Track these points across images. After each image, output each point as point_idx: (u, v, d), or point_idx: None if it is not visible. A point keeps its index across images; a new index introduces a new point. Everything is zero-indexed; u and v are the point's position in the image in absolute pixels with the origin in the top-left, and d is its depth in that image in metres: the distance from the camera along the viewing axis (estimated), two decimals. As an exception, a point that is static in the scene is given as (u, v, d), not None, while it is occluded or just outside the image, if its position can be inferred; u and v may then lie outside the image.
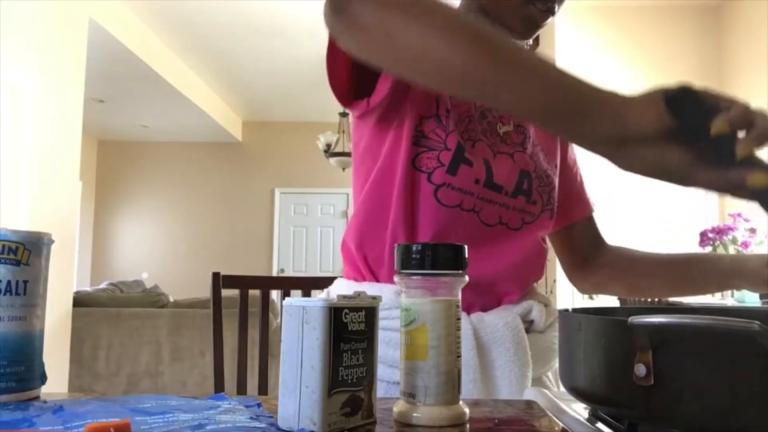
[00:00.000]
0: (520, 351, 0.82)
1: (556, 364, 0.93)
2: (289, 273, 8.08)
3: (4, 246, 0.54)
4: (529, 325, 0.89)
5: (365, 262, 0.90)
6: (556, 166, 1.01)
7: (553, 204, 0.96)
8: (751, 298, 2.88)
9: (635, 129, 0.51)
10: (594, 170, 4.34)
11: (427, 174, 0.83)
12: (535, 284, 0.99)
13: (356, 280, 0.92)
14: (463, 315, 0.84)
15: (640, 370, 0.44)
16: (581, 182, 1.10)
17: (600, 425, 0.52)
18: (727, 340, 0.43)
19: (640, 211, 3.89)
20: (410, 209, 0.85)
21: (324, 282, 1.22)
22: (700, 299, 3.15)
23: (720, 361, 0.43)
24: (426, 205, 0.84)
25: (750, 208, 3.66)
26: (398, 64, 0.62)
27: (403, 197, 0.84)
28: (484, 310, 0.87)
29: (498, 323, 0.83)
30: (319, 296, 1.02)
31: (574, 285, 1.11)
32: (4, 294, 0.53)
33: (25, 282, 0.55)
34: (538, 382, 0.91)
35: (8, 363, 0.54)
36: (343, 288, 0.93)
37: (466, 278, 0.56)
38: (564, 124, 0.56)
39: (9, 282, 0.54)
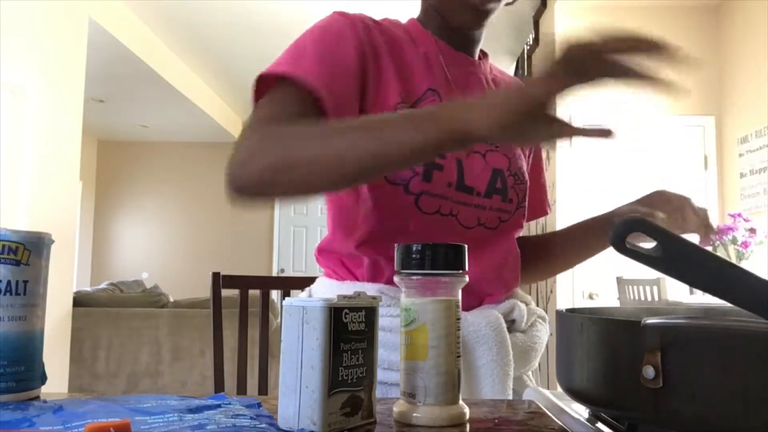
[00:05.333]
0: (502, 351, 0.82)
1: (536, 363, 0.94)
2: (289, 273, 8.08)
3: (4, 246, 0.54)
4: (510, 325, 0.89)
5: (343, 266, 0.91)
6: (528, 164, 1.02)
7: (526, 202, 0.96)
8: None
9: (480, 135, 0.59)
10: (596, 170, 4.30)
11: (403, 185, 0.83)
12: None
13: (338, 279, 0.92)
14: None
15: (649, 372, 0.44)
16: (543, 184, 1.10)
17: (600, 425, 0.52)
18: (741, 342, 0.42)
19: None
20: (385, 222, 0.84)
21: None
22: (699, 299, 3.15)
23: (733, 362, 0.43)
24: (406, 215, 0.83)
25: (749, 208, 3.66)
26: (319, 184, 0.69)
27: (375, 212, 0.84)
28: (467, 310, 0.87)
29: (480, 323, 0.83)
30: (299, 295, 1.03)
31: None
32: (4, 294, 0.53)
33: (25, 282, 0.55)
34: (518, 381, 0.91)
35: (8, 363, 0.54)
36: (324, 286, 0.93)
37: (466, 278, 0.56)
38: (450, 147, 0.66)
39: (9, 282, 0.54)
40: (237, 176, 0.69)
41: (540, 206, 1.09)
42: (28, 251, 0.55)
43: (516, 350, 0.86)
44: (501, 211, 0.90)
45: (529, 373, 0.94)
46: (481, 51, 0.98)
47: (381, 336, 0.80)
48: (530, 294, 4.50)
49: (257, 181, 0.68)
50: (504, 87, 0.96)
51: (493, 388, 0.80)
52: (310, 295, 0.96)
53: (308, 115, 0.73)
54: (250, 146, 0.70)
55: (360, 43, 0.81)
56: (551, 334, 0.96)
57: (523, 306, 0.90)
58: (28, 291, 0.55)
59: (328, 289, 0.91)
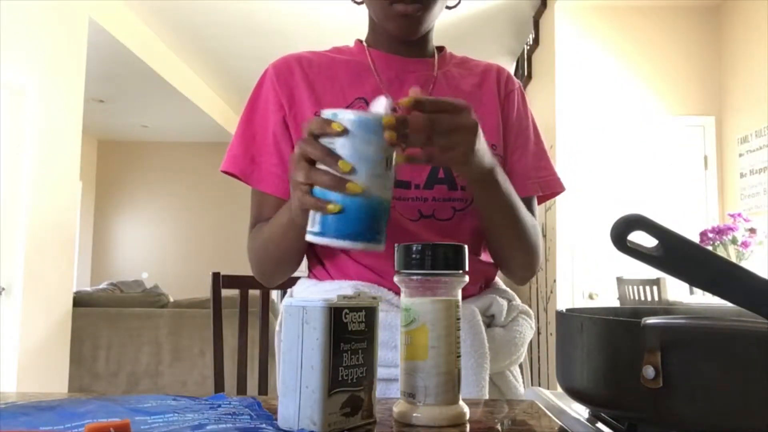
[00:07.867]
0: (476, 343, 0.82)
1: (521, 358, 0.94)
2: (289, 273, 8.07)
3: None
4: (490, 320, 0.90)
5: (322, 266, 0.94)
6: (493, 146, 0.91)
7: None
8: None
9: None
10: (596, 171, 4.29)
11: None
12: (498, 279, 0.98)
13: (318, 279, 0.94)
14: None
15: (649, 372, 0.44)
16: (531, 156, 0.97)
17: (600, 425, 0.52)
18: (741, 342, 0.42)
19: (641, 212, 3.90)
20: None
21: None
22: (699, 299, 3.15)
23: (733, 362, 0.43)
24: None
25: (749, 208, 3.66)
26: (268, 261, 0.94)
27: None
28: None
29: None
30: (285, 297, 1.05)
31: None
32: (388, 169, 0.63)
33: (394, 163, 0.64)
34: (501, 376, 0.91)
35: (365, 219, 0.62)
36: (304, 286, 0.94)
37: (466, 278, 0.56)
38: None
39: (388, 160, 0.63)
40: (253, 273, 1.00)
41: (528, 182, 0.95)
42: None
43: (495, 344, 0.86)
44: (452, 201, 0.89)
45: (514, 369, 0.94)
46: (437, 47, 1.00)
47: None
48: (530, 294, 4.50)
49: (260, 279, 0.99)
50: (455, 79, 0.96)
51: (466, 379, 0.80)
52: (291, 296, 0.98)
53: (262, 204, 0.96)
54: (248, 253, 0.98)
55: (276, 94, 0.93)
56: (535, 330, 0.95)
57: (502, 301, 0.91)
58: (392, 169, 0.64)
59: (307, 288, 0.93)
